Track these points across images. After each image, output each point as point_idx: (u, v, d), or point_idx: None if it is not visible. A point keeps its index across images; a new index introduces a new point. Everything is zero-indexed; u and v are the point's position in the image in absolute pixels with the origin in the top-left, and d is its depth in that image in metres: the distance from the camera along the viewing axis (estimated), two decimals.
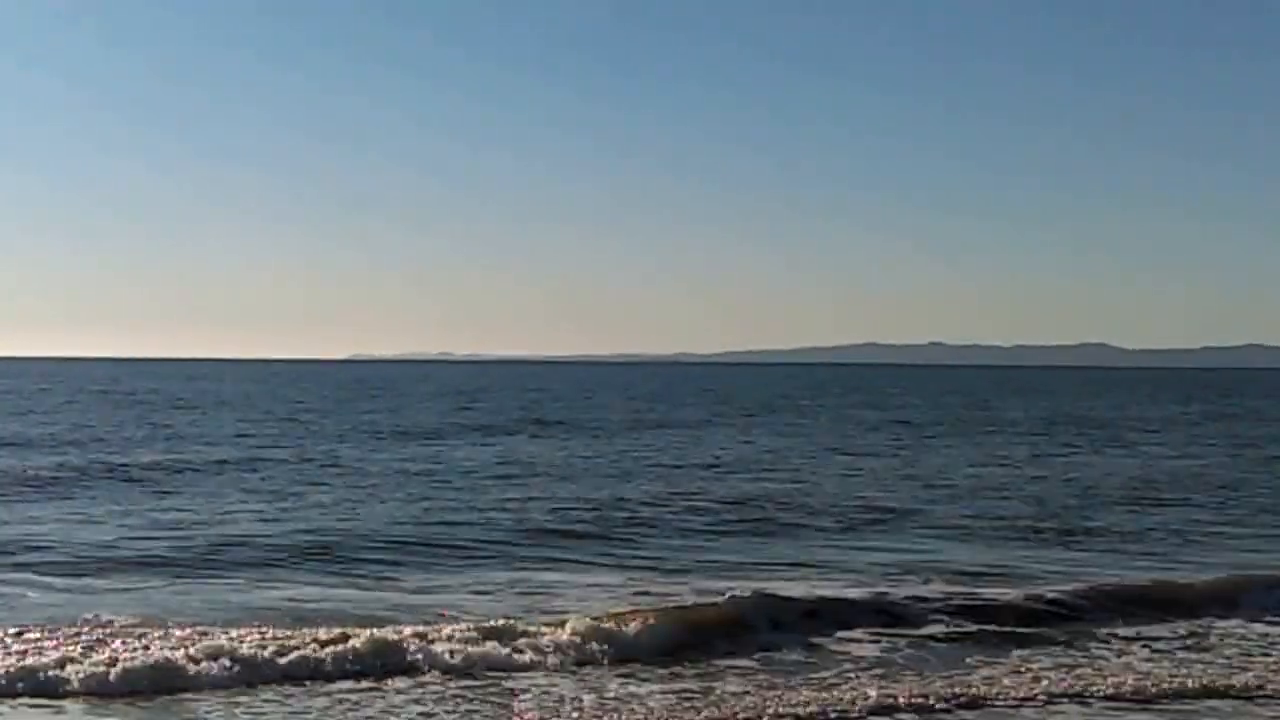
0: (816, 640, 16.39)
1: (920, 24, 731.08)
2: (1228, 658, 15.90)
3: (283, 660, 14.32)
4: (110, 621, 15.93)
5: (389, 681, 14.07)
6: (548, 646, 15.22)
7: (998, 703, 13.78)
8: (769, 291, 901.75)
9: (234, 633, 15.13)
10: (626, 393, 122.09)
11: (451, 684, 14.05)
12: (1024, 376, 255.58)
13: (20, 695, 13.31)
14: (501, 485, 34.71)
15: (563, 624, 15.91)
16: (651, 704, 13.41)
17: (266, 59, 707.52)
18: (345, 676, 14.16)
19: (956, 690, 14.04)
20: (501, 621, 16.14)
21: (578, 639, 15.43)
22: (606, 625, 15.93)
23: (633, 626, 15.98)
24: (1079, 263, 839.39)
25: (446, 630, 15.60)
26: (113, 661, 13.92)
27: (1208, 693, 14.23)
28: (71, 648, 14.39)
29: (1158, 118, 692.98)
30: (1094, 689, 14.20)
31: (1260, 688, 14.40)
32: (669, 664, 15.12)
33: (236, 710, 13.05)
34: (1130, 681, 14.49)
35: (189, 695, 13.49)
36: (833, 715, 13.22)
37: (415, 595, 19.07)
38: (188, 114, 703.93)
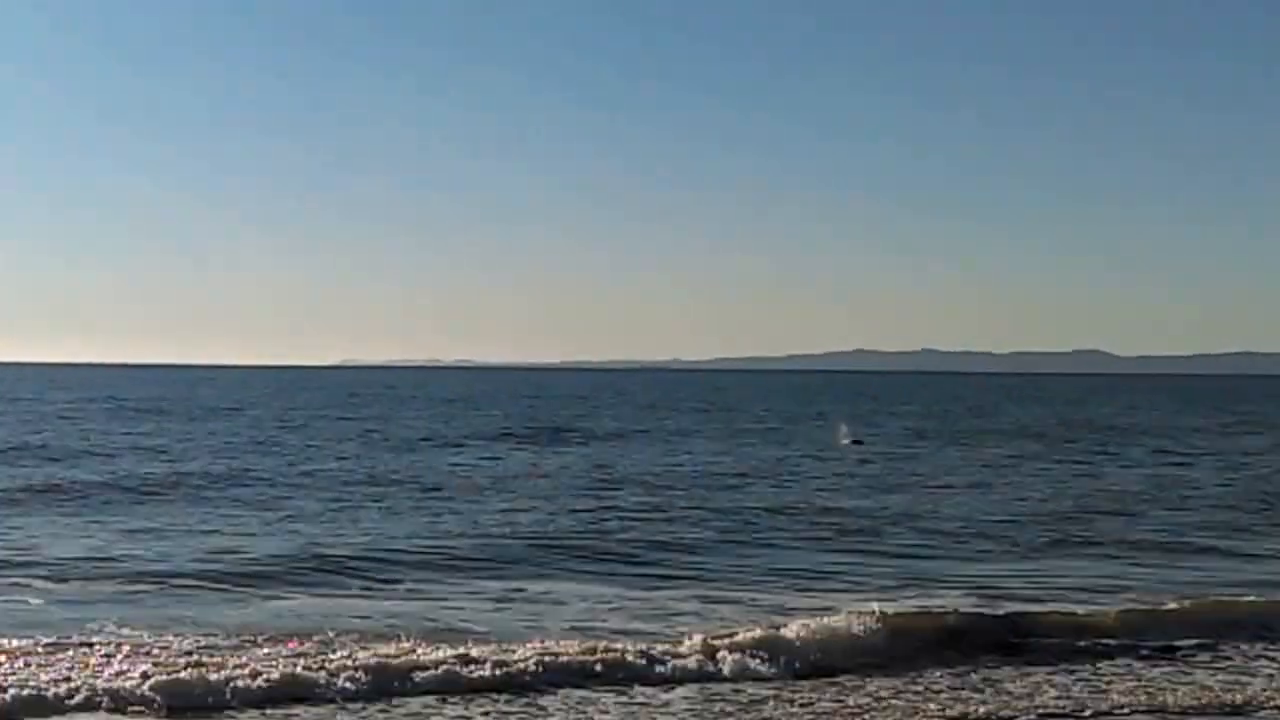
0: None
1: (913, 26, 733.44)
2: None
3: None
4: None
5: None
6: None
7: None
8: (761, 298, 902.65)
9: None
10: (666, 400, 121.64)
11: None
12: (1036, 383, 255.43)
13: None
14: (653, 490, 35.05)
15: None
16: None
17: (257, 67, 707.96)
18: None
19: None
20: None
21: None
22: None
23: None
24: (1073, 268, 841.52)
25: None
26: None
27: None
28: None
29: (1152, 123, 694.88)
30: None
31: None
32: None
33: None
34: None
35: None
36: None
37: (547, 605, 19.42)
38: (177, 120, 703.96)
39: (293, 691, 14.22)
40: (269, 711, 13.84)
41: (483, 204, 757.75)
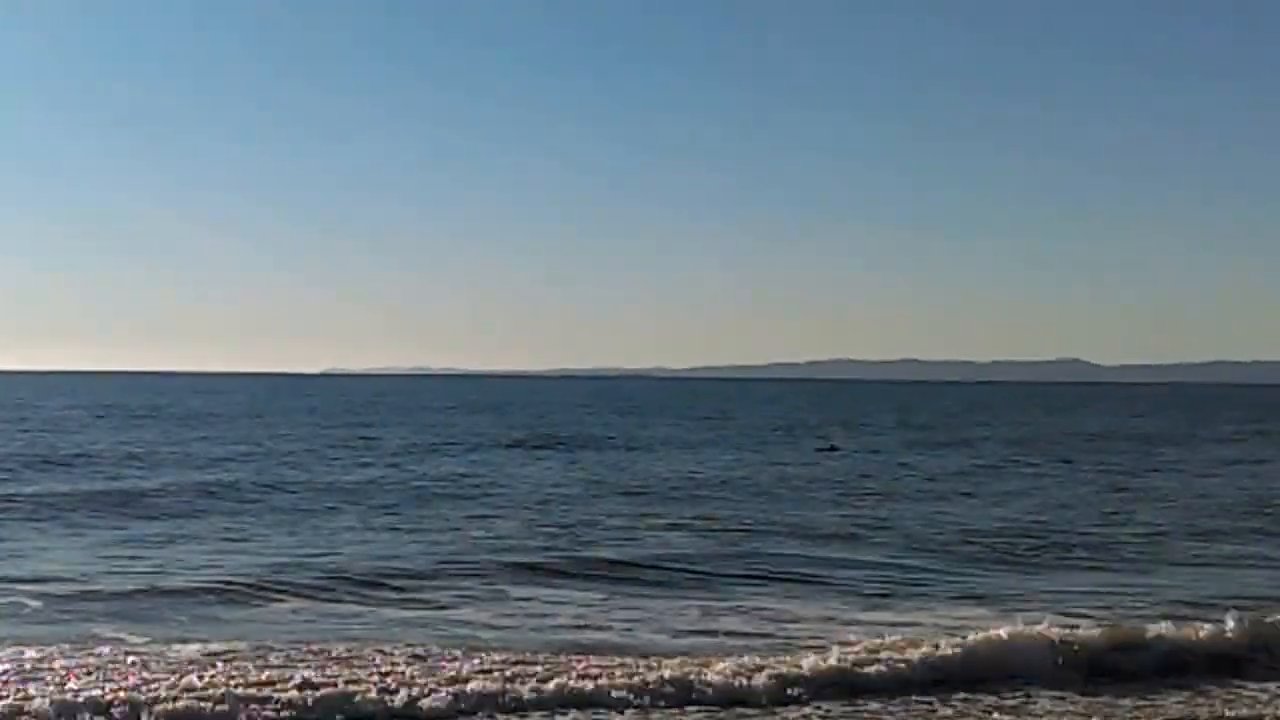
0: None
1: (887, 45, 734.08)
2: None
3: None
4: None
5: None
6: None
7: None
8: (742, 307, 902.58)
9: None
10: (687, 409, 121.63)
11: None
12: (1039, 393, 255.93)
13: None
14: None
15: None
16: None
17: (243, 78, 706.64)
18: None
19: None
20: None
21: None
22: None
23: None
24: (1052, 278, 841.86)
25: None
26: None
27: None
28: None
29: (1128, 137, 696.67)
30: None
31: None
32: None
33: None
34: None
35: None
36: None
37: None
38: (162, 128, 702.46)
39: None
40: None
41: (470, 214, 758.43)
